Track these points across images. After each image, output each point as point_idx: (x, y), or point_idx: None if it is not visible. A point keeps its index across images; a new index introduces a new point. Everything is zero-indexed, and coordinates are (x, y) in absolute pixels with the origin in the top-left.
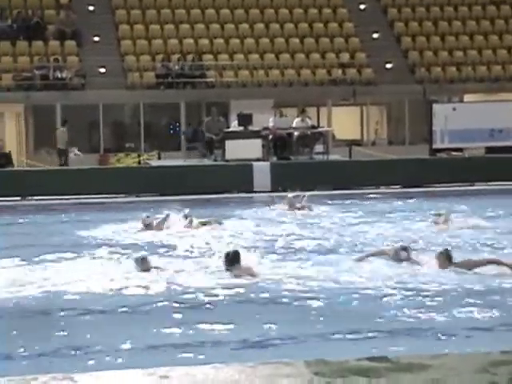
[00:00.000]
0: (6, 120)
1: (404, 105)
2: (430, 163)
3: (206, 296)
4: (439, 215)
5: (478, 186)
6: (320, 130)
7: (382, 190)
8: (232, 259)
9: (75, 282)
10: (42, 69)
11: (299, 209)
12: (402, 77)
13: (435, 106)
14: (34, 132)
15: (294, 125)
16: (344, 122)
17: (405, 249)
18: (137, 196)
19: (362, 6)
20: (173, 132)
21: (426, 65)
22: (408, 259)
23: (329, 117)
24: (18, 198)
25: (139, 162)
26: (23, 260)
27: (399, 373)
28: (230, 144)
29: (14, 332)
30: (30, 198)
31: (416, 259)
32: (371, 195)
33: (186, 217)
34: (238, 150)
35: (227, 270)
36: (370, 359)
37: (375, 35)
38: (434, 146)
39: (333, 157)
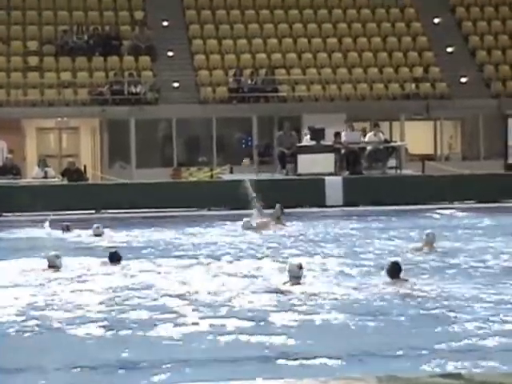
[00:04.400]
0: (81, 135)
1: (479, 119)
2: (505, 178)
3: None
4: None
5: None
6: (393, 144)
7: (456, 205)
8: (397, 271)
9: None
10: (117, 84)
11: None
12: (477, 91)
13: (511, 121)
14: (109, 146)
15: (366, 139)
16: (417, 136)
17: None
18: (208, 210)
19: (436, 20)
20: (245, 146)
21: (501, 79)
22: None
23: (402, 131)
24: (93, 212)
25: (211, 176)
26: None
27: None
28: (302, 158)
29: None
30: (104, 211)
31: None
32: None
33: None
34: (310, 164)
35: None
36: (443, 376)
37: (449, 49)
38: (510, 161)
39: (406, 172)
